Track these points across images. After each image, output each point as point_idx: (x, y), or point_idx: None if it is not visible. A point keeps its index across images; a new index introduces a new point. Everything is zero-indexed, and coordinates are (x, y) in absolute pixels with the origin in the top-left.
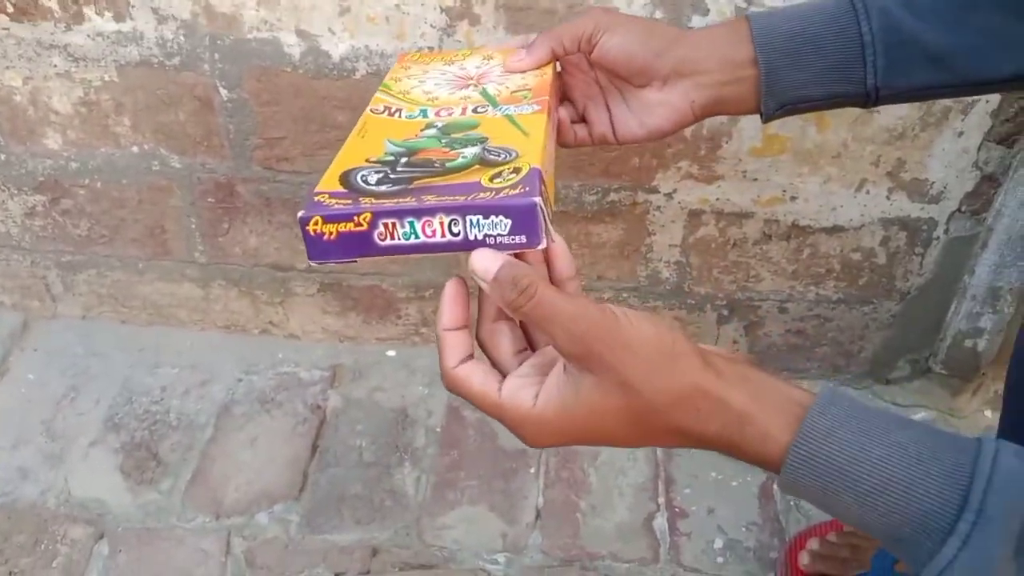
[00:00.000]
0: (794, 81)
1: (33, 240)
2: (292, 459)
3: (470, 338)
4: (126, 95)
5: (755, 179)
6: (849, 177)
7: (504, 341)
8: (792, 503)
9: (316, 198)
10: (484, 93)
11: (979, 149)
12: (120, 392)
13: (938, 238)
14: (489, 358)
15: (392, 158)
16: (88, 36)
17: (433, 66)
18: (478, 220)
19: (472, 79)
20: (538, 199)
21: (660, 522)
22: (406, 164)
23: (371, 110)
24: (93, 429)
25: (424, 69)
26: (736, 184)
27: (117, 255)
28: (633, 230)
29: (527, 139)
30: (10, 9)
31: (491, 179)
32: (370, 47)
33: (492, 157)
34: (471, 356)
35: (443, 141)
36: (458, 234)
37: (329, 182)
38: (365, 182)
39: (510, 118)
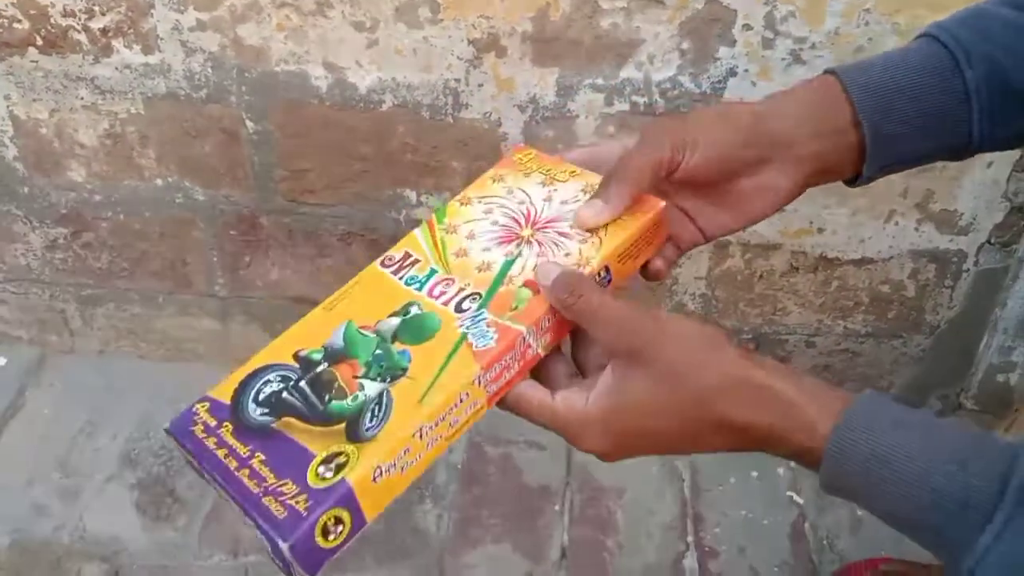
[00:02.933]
0: (895, 138)
1: (53, 273)
2: None
3: None
4: (152, 128)
5: (782, 210)
6: (877, 208)
7: (559, 367)
8: (825, 543)
9: (194, 407)
10: (502, 270)
11: (1008, 180)
12: (137, 428)
13: (968, 270)
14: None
15: (311, 362)
16: (116, 68)
17: (527, 181)
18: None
19: (530, 226)
20: (287, 545)
21: (690, 562)
22: (309, 382)
23: (385, 258)
24: (109, 465)
25: (515, 181)
26: None
27: (137, 289)
28: None
29: (418, 407)
30: (39, 41)
31: (317, 467)
32: (397, 79)
33: (370, 413)
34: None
35: (376, 352)
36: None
37: (226, 388)
38: (255, 400)
39: (456, 344)
